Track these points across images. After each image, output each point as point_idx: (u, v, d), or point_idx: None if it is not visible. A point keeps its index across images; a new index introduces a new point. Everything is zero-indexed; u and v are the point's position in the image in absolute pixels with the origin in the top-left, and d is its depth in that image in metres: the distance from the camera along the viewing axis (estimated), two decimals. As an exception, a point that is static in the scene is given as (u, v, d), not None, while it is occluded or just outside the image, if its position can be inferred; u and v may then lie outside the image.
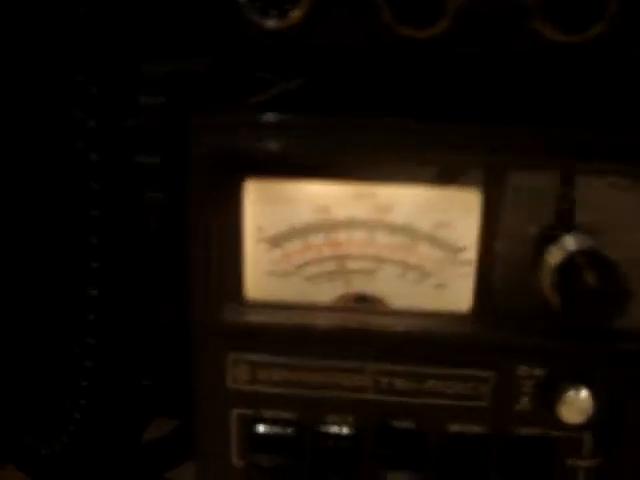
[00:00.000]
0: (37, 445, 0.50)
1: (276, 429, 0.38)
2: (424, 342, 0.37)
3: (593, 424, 0.36)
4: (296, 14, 0.33)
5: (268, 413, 0.39)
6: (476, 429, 0.38)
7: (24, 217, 0.50)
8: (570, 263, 0.33)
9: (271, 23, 0.34)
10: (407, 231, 0.36)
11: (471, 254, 0.36)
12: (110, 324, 0.46)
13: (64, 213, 0.47)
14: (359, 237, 0.37)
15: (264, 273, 0.37)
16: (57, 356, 0.51)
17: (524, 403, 0.37)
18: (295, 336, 0.37)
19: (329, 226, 0.37)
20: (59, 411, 0.48)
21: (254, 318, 0.37)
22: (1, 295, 0.50)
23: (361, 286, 0.37)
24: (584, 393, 0.35)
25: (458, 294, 0.37)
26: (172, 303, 0.47)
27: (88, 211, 0.44)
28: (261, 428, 0.38)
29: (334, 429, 0.38)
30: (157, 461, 0.54)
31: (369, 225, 0.36)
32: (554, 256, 0.34)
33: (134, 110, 0.43)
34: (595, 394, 0.35)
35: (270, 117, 0.35)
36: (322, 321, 0.37)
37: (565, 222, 0.35)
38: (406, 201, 0.36)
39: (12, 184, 0.49)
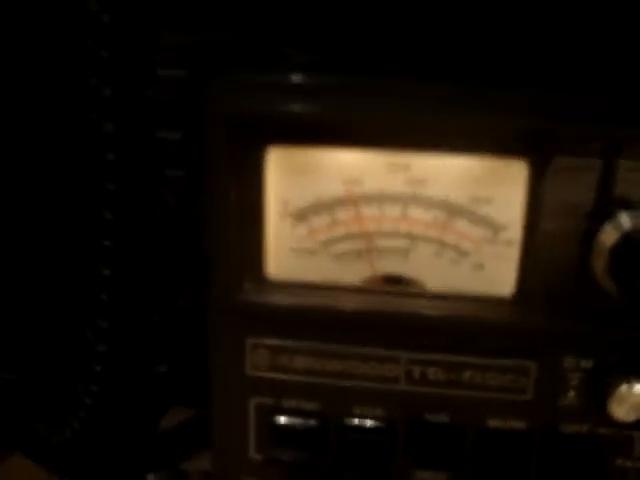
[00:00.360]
0: (47, 431, 0.49)
1: (298, 420, 0.37)
2: (461, 329, 0.35)
3: (645, 422, 0.34)
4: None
5: (289, 403, 0.37)
6: (517, 425, 0.36)
7: (36, 191, 0.48)
8: (627, 244, 0.31)
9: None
10: (444, 206, 0.34)
11: (514, 233, 0.34)
12: (124, 306, 0.45)
13: (79, 186, 0.46)
14: (391, 212, 0.34)
15: (287, 250, 0.36)
16: (69, 340, 0.50)
17: (570, 397, 0.35)
18: (320, 320, 0.36)
19: (359, 200, 0.34)
20: (70, 397, 0.47)
21: (275, 299, 0.36)
22: (12, 277, 0.49)
23: (392, 266, 0.35)
24: (638, 388, 0.33)
25: (499, 276, 0.34)
26: (190, 285, 0.46)
27: (103, 184, 0.42)
28: (281, 419, 0.37)
29: (361, 422, 0.36)
30: (171, 451, 0.52)
31: (402, 199, 0.34)
32: (609, 236, 0.32)
33: (152, 81, 0.42)
34: (650, 389, 0.33)
35: (295, 78, 0.33)
36: (349, 304, 0.35)
37: (620, 198, 0.32)
38: (443, 173, 0.33)
39: (24, 156, 0.48)
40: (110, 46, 0.41)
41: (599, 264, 0.32)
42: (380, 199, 0.34)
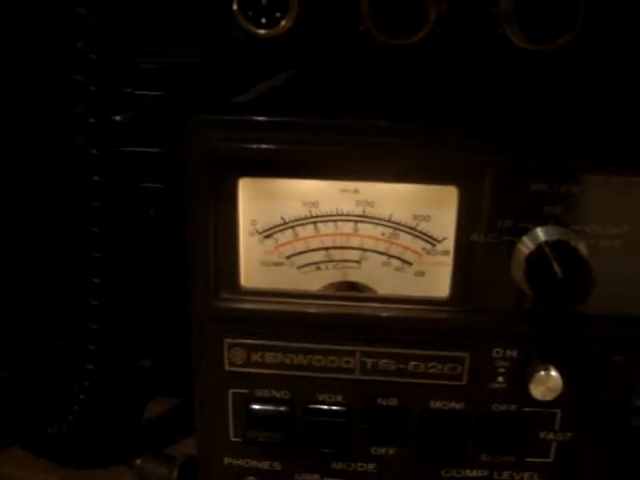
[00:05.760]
0: (43, 425, 0.52)
1: (270, 407, 0.41)
2: (406, 326, 0.39)
3: (563, 401, 0.39)
4: (285, 23, 0.36)
5: (262, 393, 0.41)
6: (455, 406, 0.40)
7: (30, 210, 0.52)
8: (539, 254, 0.36)
9: (262, 31, 0.36)
10: (389, 223, 0.39)
11: (449, 245, 0.38)
12: (112, 309, 0.48)
13: (67, 204, 0.50)
14: (344, 229, 0.39)
15: (257, 263, 0.40)
16: (63, 341, 0.54)
17: (499, 382, 0.40)
18: (286, 322, 0.40)
19: (317, 219, 0.39)
20: (64, 393, 0.51)
21: (248, 305, 0.40)
22: (10, 284, 0.53)
23: (347, 275, 0.40)
24: (553, 373, 0.38)
25: (437, 282, 0.39)
26: (170, 287, 0.49)
27: (89, 201, 0.46)
28: (256, 407, 0.41)
29: (324, 407, 0.41)
30: (156, 437, 0.56)
31: (354, 218, 0.39)
32: (526, 247, 0.37)
33: (131, 104, 0.45)
34: (564, 373, 0.38)
35: (260, 120, 0.37)
36: (311, 308, 0.39)
37: (535, 215, 0.37)
38: (388, 196, 0.38)
39: (18, 179, 0.51)
40: (96, 79, 0.45)
41: (518, 270, 0.37)
42: (335, 218, 0.39)
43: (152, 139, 0.47)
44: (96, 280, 0.47)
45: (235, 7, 0.36)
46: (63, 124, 0.47)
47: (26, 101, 0.51)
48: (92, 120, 0.45)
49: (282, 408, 0.41)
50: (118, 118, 0.46)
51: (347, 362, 0.40)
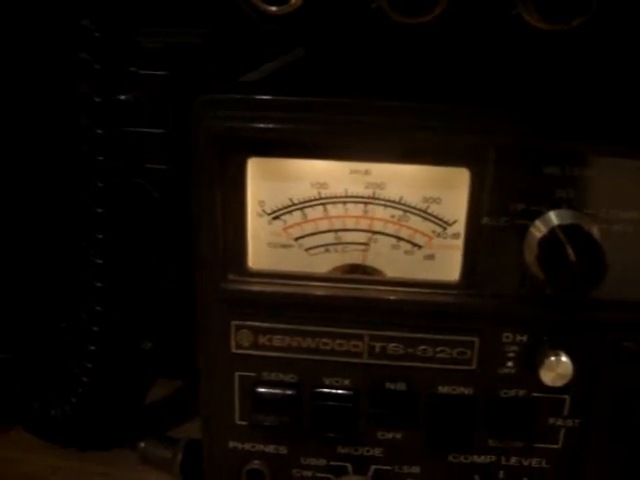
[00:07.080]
0: (45, 407, 0.52)
1: (277, 390, 0.41)
2: (415, 310, 0.39)
3: (573, 387, 0.39)
4: (296, 0, 0.35)
5: (269, 376, 0.41)
6: (464, 390, 0.40)
7: (34, 190, 0.52)
8: (552, 237, 0.35)
9: (272, 8, 0.35)
10: (399, 206, 0.38)
11: (460, 228, 0.38)
12: (115, 291, 0.48)
13: (71, 184, 0.49)
14: (354, 211, 0.38)
15: (265, 245, 0.39)
16: (65, 322, 0.53)
17: (508, 367, 0.39)
18: (294, 304, 0.39)
19: (326, 200, 0.38)
20: (67, 375, 0.50)
21: (256, 287, 0.39)
22: (13, 265, 0.52)
23: (356, 257, 0.39)
24: (564, 358, 0.37)
25: (447, 265, 0.39)
26: (174, 269, 0.49)
27: (94, 182, 0.46)
28: (263, 390, 0.41)
29: (331, 391, 0.40)
30: (160, 420, 0.56)
31: (363, 200, 0.38)
32: (539, 230, 0.36)
33: (136, 84, 0.45)
34: (574, 359, 0.38)
35: (269, 99, 0.37)
36: (319, 290, 0.39)
37: (550, 198, 0.37)
38: (398, 178, 0.38)
39: (22, 159, 0.51)
40: (101, 57, 0.44)
41: (530, 254, 0.36)
42: (344, 200, 0.38)
43: (157, 120, 0.46)
44: (99, 261, 0.47)
45: (246, -17, 0.35)
46: (68, 104, 0.47)
47: (30, 80, 0.50)
48: (97, 99, 0.45)
49: (289, 392, 0.41)
50: (123, 97, 0.45)
51: (355, 346, 0.40)
